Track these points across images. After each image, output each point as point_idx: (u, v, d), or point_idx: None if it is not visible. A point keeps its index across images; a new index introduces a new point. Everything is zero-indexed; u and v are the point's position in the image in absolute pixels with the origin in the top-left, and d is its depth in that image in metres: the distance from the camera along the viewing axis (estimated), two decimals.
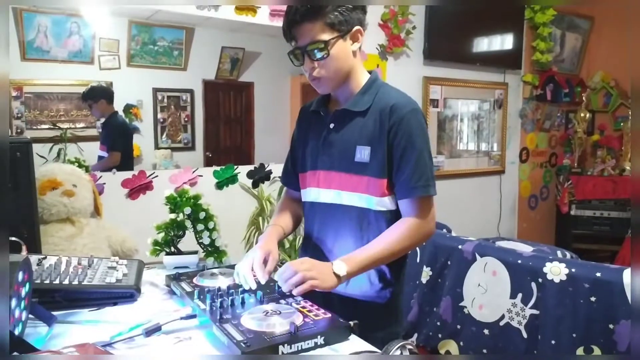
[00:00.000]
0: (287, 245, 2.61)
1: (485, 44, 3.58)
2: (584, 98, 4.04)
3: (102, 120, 2.81)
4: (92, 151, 2.75)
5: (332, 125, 1.24)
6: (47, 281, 1.12)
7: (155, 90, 3.18)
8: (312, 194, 1.29)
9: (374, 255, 1.14)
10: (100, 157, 2.73)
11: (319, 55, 1.14)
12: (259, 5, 2.53)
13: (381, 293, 1.24)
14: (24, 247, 1.22)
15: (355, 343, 0.95)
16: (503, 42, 3.66)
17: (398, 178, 1.16)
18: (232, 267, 1.36)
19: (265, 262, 1.16)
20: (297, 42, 1.16)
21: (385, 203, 1.19)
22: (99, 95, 2.77)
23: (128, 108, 3.03)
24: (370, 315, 1.20)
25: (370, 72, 1.26)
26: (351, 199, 1.21)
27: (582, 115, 4.02)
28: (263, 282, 1.14)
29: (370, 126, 1.18)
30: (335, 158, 1.22)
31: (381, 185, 1.17)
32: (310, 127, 1.32)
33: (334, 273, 1.08)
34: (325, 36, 1.13)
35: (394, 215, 1.20)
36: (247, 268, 1.14)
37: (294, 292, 1.05)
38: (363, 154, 1.18)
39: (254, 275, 1.13)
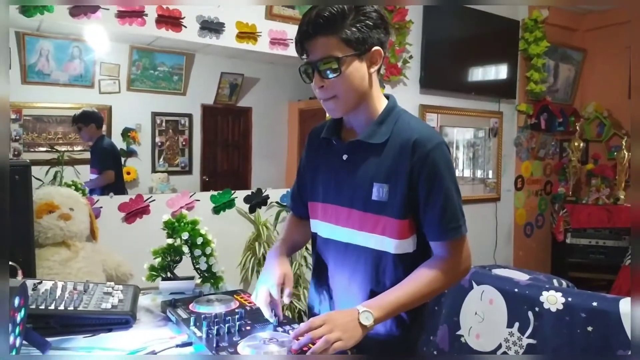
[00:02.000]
0: None
1: (480, 73, 3.65)
2: (577, 127, 4.10)
3: (90, 144, 2.83)
4: (89, 174, 2.77)
5: (345, 157, 1.14)
6: (42, 306, 1.11)
7: (154, 114, 3.21)
8: (325, 229, 1.21)
9: (404, 298, 1.04)
10: (91, 180, 2.74)
11: (330, 72, 1.04)
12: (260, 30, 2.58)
13: (396, 335, 1.14)
14: (19, 272, 1.22)
15: None
16: (498, 72, 3.74)
17: (426, 221, 1.08)
18: (229, 293, 1.36)
19: (281, 288, 1.10)
20: (308, 56, 1.06)
21: (404, 246, 1.10)
22: (90, 119, 2.80)
23: (126, 132, 3.05)
24: (379, 351, 1.13)
25: (387, 97, 1.17)
26: (367, 241, 1.11)
27: (576, 144, 4.07)
28: (281, 317, 1.10)
29: (389, 162, 1.08)
30: (350, 194, 1.13)
31: (401, 227, 1.08)
32: (321, 154, 1.22)
33: (360, 323, 0.98)
34: (339, 53, 1.02)
35: (415, 259, 1.11)
36: (265, 303, 1.09)
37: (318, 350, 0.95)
38: (381, 192, 1.08)
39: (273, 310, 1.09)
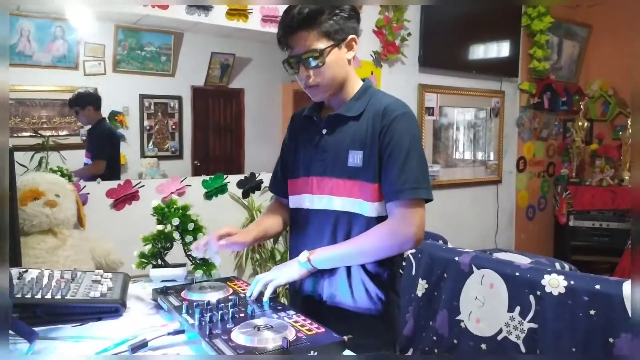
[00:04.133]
0: (278, 257, 2.60)
1: (482, 51, 3.63)
2: (581, 106, 4.10)
3: (88, 127, 2.80)
4: (76, 159, 2.74)
5: (324, 131, 1.27)
6: (29, 295, 1.11)
7: (142, 97, 3.17)
8: (305, 200, 1.31)
9: (341, 250, 1.20)
10: (86, 164, 2.72)
11: (314, 63, 1.18)
12: (252, 5, 2.54)
13: (372, 304, 1.25)
14: None
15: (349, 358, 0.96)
16: (499, 49, 3.71)
17: (384, 180, 1.18)
18: (222, 280, 1.37)
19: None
20: (292, 50, 1.19)
21: (378, 209, 1.21)
22: (87, 101, 2.76)
23: (113, 115, 3.02)
24: (364, 327, 1.21)
25: (363, 80, 1.30)
26: (344, 205, 1.23)
27: (580, 124, 4.07)
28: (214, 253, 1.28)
29: (363, 130, 1.21)
30: (328, 163, 1.25)
31: (375, 190, 1.19)
32: (303, 133, 1.34)
33: (298, 262, 1.19)
34: (321, 45, 1.17)
35: None
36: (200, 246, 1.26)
37: (264, 297, 1.18)
38: (356, 158, 1.20)
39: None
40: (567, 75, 4.32)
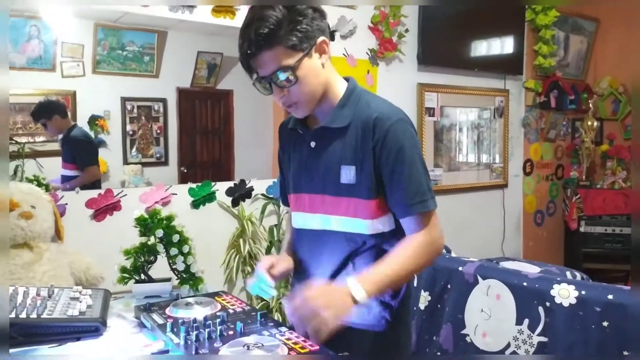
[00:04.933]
0: None
1: (484, 47, 3.65)
2: (590, 105, 4.12)
3: (60, 136, 2.79)
4: (53, 167, 2.73)
5: (313, 144, 1.23)
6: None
7: (124, 100, 3.18)
8: (299, 219, 1.29)
9: (391, 273, 1.12)
10: (65, 177, 2.70)
11: (286, 82, 1.12)
12: (237, 6, 2.55)
13: (378, 319, 1.21)
14: None
15: None
16: (503, 45, 3.73)
17: (392, 198, 1.16)
18: (210, 295, 1.36)
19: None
20: (258, 73, 1.14)
21: (377, 226, 1.19)
22: (51, 110, 2.74)
23: (94, 120, 3.02)
24: (366, 346, 1.19)
25: (347, 80, 1.26)
26: (340, 224, 1.20)
27: (589, 123, 4.10)
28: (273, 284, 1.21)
29: (353, 143, 1.17)
30: (319, 180, 1.22)
31: (371, 207, 1.17)
32: (292, 145, 1.31)
33: (352, 298, 1.05)
34: (290, 60, 1.10)
35: (389, 239, 1.20)
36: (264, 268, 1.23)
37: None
38: (349, 174, 1.17)
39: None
40: (574, 73, 4.35)
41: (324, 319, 1.00)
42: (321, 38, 1.15)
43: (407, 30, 3.17)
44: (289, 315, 1.06)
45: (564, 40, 4.20)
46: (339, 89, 1.22)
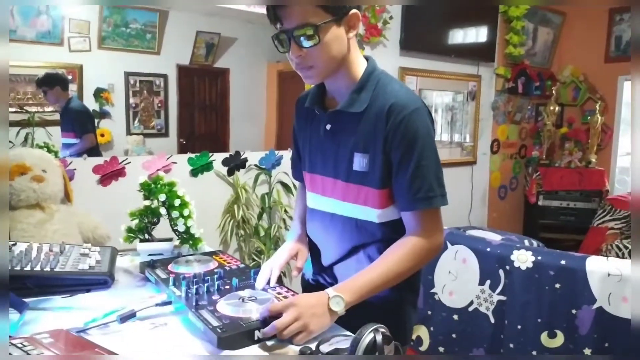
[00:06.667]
0: (262, 233, 2.62)
1: (461, 36, 3.63)
2: (554, 92, 4.15)
3: (59, 106, 2.75)
4: (62, 138, 2.69)
5: (328, 127, 1.11)
6: (18, 267, 1.10)
7: (128, 74, 3.11)
8: (312, 200, 1.22)
9: (376, 279, 1.01)
10: (65, 145, 2.67)
11: (308, 41, 0.98)
12: (235, 6, 2.49)
13: (378, 298, 1.05)
14: None
15: (329, 327, 0.97)
16: (477, 34, 3.72)
17: (397, 190, 1.05)
18: (208, 254, 1.37)
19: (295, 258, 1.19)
20: (282, 24, 0.99)
21: (387, 215, 1.09)
22: (54, 81, 2.71)
23: (99, 92, 2.96)
24: (362, 315, 1.03)
25: (367, 59, 1.11)
26: (352, 211, 1.11)
27: (551, 108, 4.13)
28: (272, 283, 1.12)
29: (368, 130, 1.05)
30: (333, 164, 1.12)
31: (381, 197, 1.06)
32: (307, 124, 1.20)
33: (329, 309, 0.95)
34: (317, 19, 0.96)
35: (399, 228, 1.09)
36: (267, 267, 1.14)
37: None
38: (361, 162, 1.06)
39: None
40: (541, 61, 4.36)
41: (303, 325, 0.91)
42: (354, 11, 1.01)
43: (391, 17, 3.14)
44: (263, 310, 0.94)
45: (532, 31, 4.19)
46: (359, 68, 1.09)
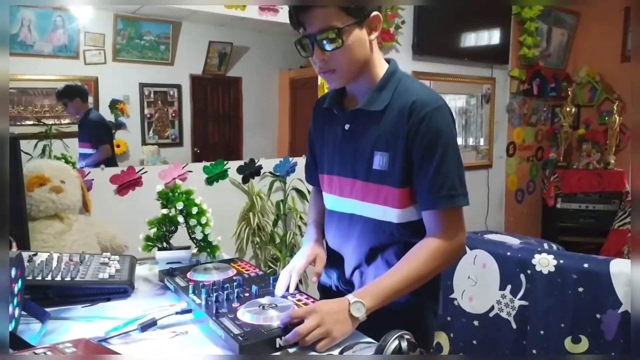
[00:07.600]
0: (277, 240, 2.61)
1: (473, 39, 3.61)
2: (569, 92, 4.10)
3: (78, 118, 2.80)
4: (76, 148, 2.72)
5: (347, 127, 1.11)
6: (39, 277, 1.11)
7: (142, 85, 3.15)
8: (329, 201, 1.20)
9: (398, 284, 0.99)
10: (82, 155, 2.71)
11: (331, 45, 0.99)
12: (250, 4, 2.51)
13: (400, 305, 1.04)
14: (14, 244, 1.22)
15: (352, 335, 0.96)
16: (490, 37, 3.69)
17: (418, 188, 1.03)
18: (226, 261, 1.37)
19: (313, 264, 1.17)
20: (305, 29, 1.00)
21: (407, 215, 1.07)
22: (74, 93, 2.76)
23: (114, 103, 3.00)
24: (381, 322, 1.00)
25: (388, 62, 1.12)
26: (370, 211, 1.09)
27: (567, 109, 4.08)
28: (291, 290, 1.10)
29: (389, 128, 1.04)
30: (352, 164, 1.10)
31: (401, 196, 1.04)
32: (325, 125, 1.19)
33: (350, 315, 0.93)
34: (339, 23, 0.97)
35: (419, 230, 1.07)
36: (286, 273, 1.12)
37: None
38: (382, 161, 1.04)
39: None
40: (555, 62, 4.31)
41: (326, 331, 0.89)
42: (375, 13, 1.02)
43: (403, 22, 3.13)
44: (284, 317, 0.93)
45: (546, 32, 4.15)
46: (380, 69, 1.09)
